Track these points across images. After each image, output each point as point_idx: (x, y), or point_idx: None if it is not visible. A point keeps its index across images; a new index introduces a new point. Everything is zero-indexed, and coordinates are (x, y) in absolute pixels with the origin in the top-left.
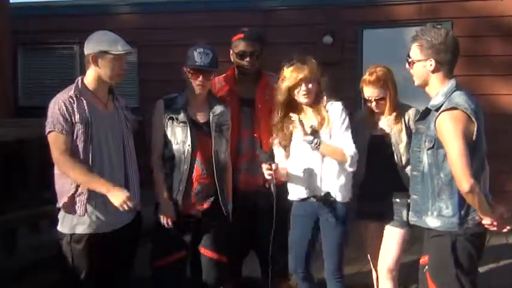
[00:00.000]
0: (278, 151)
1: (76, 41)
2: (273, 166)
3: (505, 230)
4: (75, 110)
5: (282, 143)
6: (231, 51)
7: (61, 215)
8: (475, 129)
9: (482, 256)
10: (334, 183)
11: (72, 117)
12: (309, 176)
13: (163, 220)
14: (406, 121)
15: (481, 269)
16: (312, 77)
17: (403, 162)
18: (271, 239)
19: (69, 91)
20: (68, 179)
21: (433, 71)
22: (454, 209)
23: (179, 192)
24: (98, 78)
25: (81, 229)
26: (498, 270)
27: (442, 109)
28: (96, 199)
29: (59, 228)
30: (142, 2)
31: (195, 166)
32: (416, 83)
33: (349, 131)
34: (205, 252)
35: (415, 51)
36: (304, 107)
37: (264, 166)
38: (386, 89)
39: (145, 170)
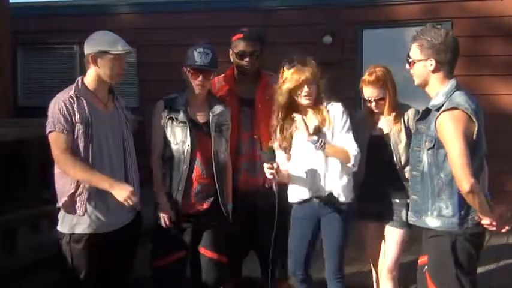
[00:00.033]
0: (279, 153)
1: (76, 41)
2: (275, 165)
3: (504, 230)
4: (75, 110)
5: (282, 145)
6: (231, 51)
7: (61, 214)
8: (476, 129)
9: (480, 256)
10: (337, 184)
11: (73, 117)
12: (312, 177)
13: (163, 220)
14: (406, 121)
15: (481, 269)
16: (313, 78)
17: (403, 162)
18: (272, 241)
19: (69, 91)
20: (68, 179)
21: (434, 71)
22: (454, 209)
23: (179, 192)
24: (98, 78)
25: (81, 229)
26: (498, 270)
27: (442, 109)
28: (96, 199)
29: (59, 228)
30: (142, 2)
31: (195, 166)
32: (417, 82)
33: (351, 131)
34: (205, 252)
35: (415, 51)
36: (305, 108)
37: (266, 166)
38: (386, 89)
39: (145, 170)
